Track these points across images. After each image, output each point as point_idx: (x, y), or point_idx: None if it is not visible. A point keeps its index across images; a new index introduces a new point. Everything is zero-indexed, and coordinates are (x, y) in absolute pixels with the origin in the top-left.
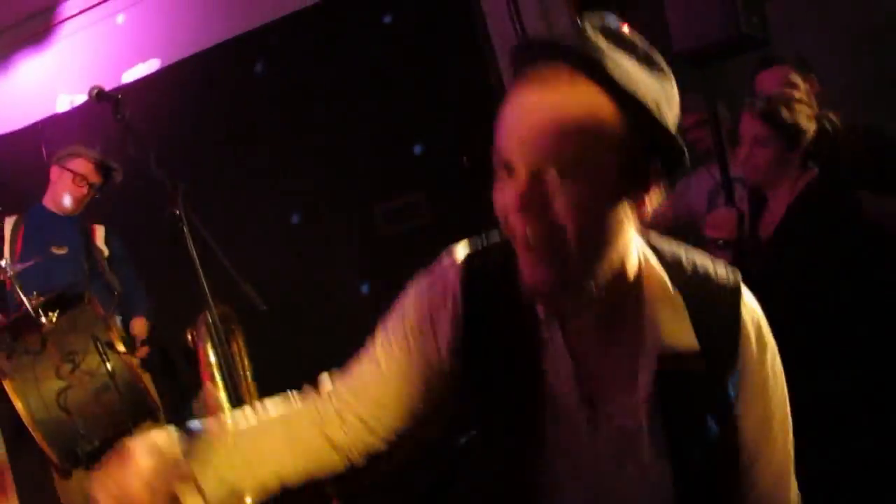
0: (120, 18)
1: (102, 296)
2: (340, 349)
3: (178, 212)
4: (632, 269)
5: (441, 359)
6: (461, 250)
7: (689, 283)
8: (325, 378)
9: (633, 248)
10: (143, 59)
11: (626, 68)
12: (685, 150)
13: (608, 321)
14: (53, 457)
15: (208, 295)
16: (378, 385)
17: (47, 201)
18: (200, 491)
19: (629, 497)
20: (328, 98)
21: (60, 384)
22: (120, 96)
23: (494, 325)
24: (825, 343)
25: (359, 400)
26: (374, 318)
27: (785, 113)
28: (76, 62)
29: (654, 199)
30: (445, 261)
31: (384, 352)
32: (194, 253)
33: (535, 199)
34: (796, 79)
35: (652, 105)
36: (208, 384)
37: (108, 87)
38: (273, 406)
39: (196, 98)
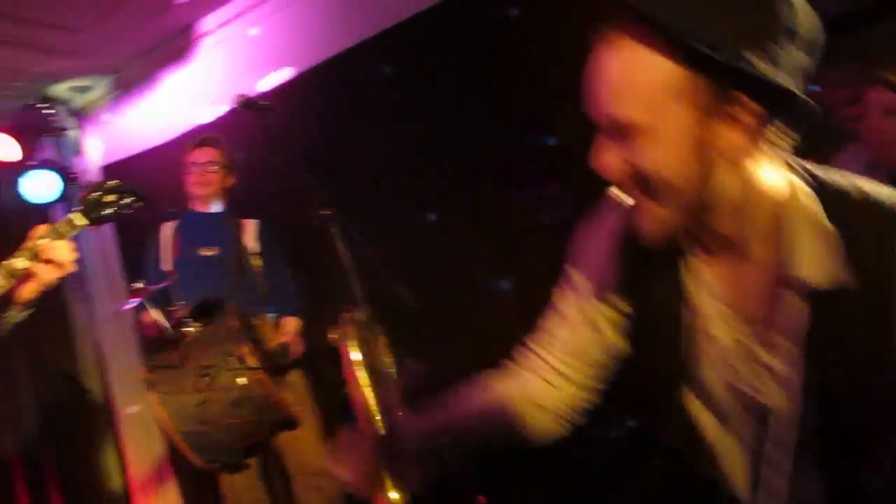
0: (254, 31)
1: (249, 295)
2: (482, 346)
3: (327, 212)
4: (765, 201)
5: (607, 295)
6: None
7: (846, 211)
8: (520, 349)
9: (764, 180)
10: (277, 69)
11: (687, 11)
12: (781, 84)
13: (750, 256)
14: (198, 464)
15: (358, 295)
16: (565, 334)
17: (194, 204)
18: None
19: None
20: (459, 95)
21: (198, 398)
22: (268, 104)
23: (648, 259)
24: None
25: (551, 353)
26: (515, 314)
27: None
28: (214, 75)
29: (768, 133)
30: (607, 202)
31: (563, 300)
32: (345, 253)
33: (615, 154)
34: None
35: (720, 48)
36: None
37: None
38: (476, 382)
39: (329, 103)
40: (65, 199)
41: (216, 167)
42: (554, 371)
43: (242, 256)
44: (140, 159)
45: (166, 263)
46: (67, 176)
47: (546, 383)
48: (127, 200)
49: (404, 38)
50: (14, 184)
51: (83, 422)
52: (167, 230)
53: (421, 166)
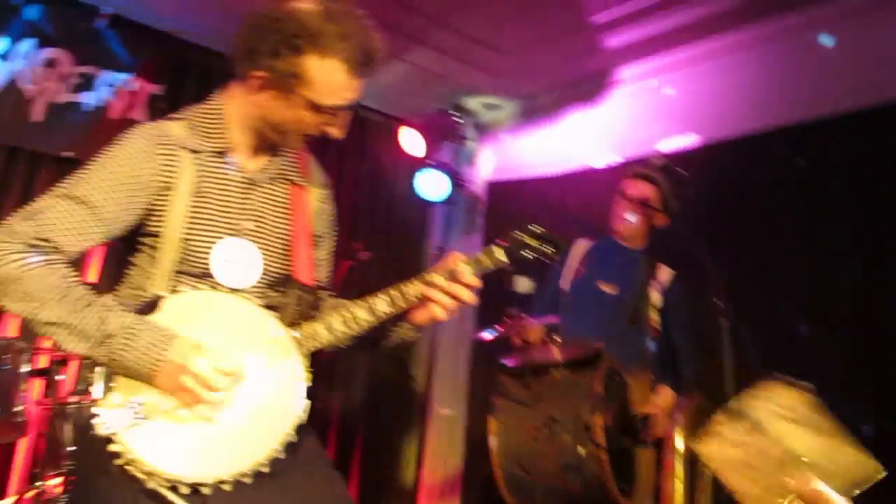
0: (667, 89)
1: (631, 349)
2: None
3: (719, 302)
4: None
5: None
6: None
7: None
8: None
9: None
10: (683, 133)
11: None
12: None
13: None
14: (509, 501)
15: (733, 392)
16: None
17: (613, 233)
18: None
19: None
20: (871, 207)
21: (533, 446)
22: (684, 172)
23: None
24: None
25: None
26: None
27: None
28: (619, 124)
29: None
30: None
31: None
32: (728, 349)
33: None
34: None
35: None
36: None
37: (639, 153)
38: None
39: (728, 181)
40: (448, 203)
41: (647, 206)
42: None
43: (641, 304)
44: (524, 185)
45: (566, 282)
46: (458, 182)
47: None
48: (548, 249)
49: (826, 135)
50: (411, 177)
51: (399, 406)
52: (578, 248)
53: (803, 270)
